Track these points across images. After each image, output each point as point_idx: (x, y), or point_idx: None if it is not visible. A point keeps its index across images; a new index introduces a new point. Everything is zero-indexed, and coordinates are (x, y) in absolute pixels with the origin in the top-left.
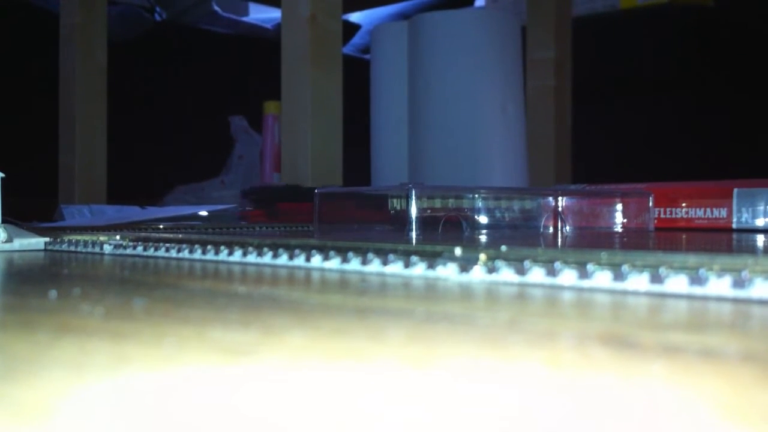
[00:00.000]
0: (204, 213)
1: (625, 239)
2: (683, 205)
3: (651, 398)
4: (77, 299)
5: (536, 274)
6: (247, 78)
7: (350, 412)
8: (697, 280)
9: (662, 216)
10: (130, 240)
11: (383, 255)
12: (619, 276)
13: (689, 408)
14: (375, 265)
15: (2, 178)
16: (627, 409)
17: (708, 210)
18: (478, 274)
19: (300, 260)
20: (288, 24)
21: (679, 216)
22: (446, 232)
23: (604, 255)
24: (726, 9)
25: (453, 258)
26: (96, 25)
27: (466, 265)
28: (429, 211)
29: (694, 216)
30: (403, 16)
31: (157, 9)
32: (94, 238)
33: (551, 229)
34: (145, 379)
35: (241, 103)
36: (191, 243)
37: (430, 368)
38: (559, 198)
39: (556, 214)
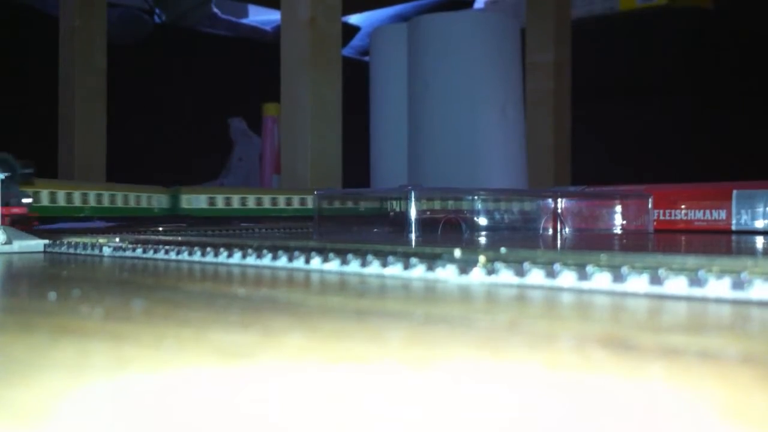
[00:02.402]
0: None
1: (624, 241)
2: (682, 206)
3: (650, 400)
4: (76, 301)
5: (536, 276)
6: (247, 80)
7: (350, 414)
8: (696, 281)
9: (661, 218)
10: (130, 242)
11: (383, 257)
12: (618, 278)
13: (689, 409)
14: (374, 267)
15: (2, 180)
16: (627, 411)
17: (707, 212)
18: (477, 276)
19: (299, 262)
20: (287, 26)
21: (678, 218)
22: (445, 234)
23: (603, 257)
24: (725, 11)
25: (452, 260)
26: (95, 28)
27: (465, 267)
28: (428, 213)
29: (693, 218)
30: (403, 18)
31: (157, 11)
32: (94, 240)
33: (551, 231)
34: (145, 381)
35: (240, 105)
36: (191, 245)
37: (429, 370)
38: (559, 200)
39: (555, 216)
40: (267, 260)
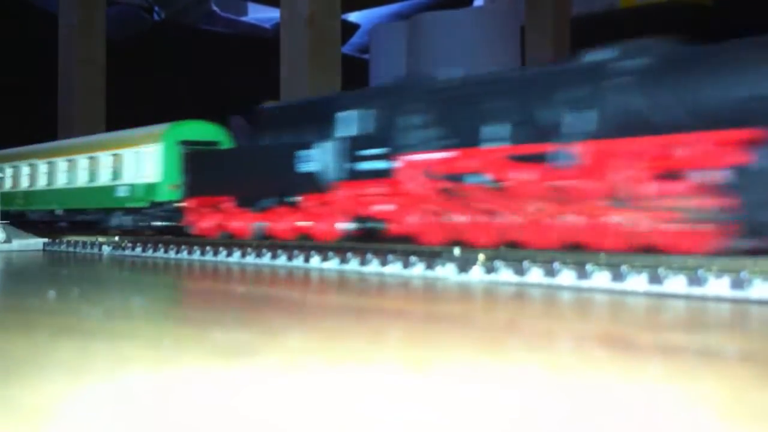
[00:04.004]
0: None
1: None
2: None
3: (649, 399)
4: (76, 300)
5: (534, 275)
6: (246, 77)
7: (350, 414)
8: (696, 280)
9: None
10: (129, 241)
11: (382, 255)
12: (618, 276)
13: (687, 408)
14: (374, 266)
15: (2, 178)
16: (626, 409)
17: None
18: (476, 274)
19: (299, 261)
20: (287, 24)
21: None
22: None
23: (602, 255)
24: (725, 8)
25: (452, 258)
26: (94, 25)
27: (464, 266)
28: None
29: None
30: (402, 16)
31: (156, 9)
32: (93, 239)
33: None
34: (145, 381)
35: (240, 103)
36: (189, 244)
37: (429, 370)
38: None
39: None
40: (266, 259)
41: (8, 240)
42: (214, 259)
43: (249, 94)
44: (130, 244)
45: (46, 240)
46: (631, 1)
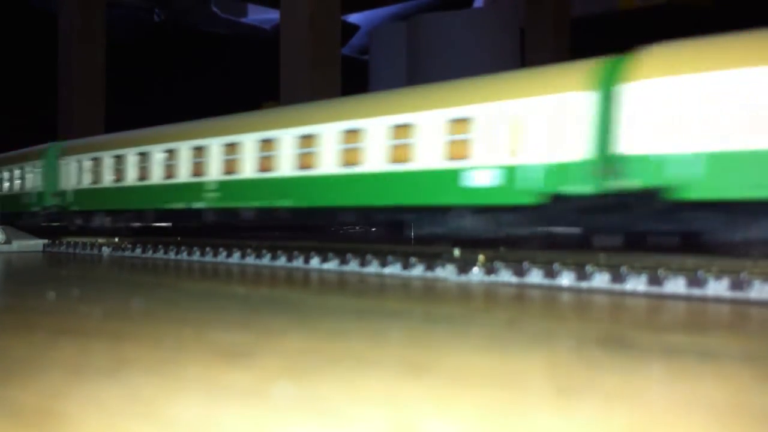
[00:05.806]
0: None
1: None
2: None
3: (649, 400)
4: (76, 300)
5: (534, 276)
6: (246, 78)
7: (349, 416)
8: (695, 281)
9: None
10: (128, 242)
11: (382, 256)
12: (618, 278)
13: (686, 409)
14: (374, 267)
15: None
16: (626, 411)
17: None
18: (476, 275)
19: (299, 262)
20: (287, 25)
21: None
22: None
23: (602, 256)
24: (724, 8)
25: (451, 259)
26: (95, 27)
27: (464, 267)
28: None
29: None
30: (401, 17)
31: (156, 10)
32: (93, 240)
33: None
34: (144, 382)
35: (239, 104)
36: (189, 245)
37: (429, 371)
38: None
39: None
40: (266, 260)
41: (8, 241)
42: (214, 260)
43: (249, 94)
44: (129, 246)
45: (46, 241)
46: (629, 2)
